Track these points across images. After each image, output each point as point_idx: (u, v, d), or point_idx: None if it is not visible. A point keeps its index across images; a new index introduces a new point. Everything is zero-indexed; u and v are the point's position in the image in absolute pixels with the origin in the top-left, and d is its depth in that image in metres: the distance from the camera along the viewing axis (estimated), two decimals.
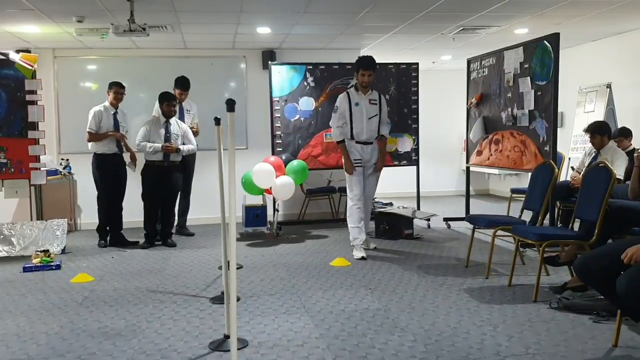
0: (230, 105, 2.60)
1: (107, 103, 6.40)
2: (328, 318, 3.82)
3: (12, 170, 6.23)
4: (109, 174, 6.37)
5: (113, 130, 6.33)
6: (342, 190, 8.04)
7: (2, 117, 6.18)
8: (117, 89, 6.39)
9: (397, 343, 3.35)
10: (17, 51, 6.43)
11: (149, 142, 6.27)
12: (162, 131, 6.33)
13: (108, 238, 6.57)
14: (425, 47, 8.26)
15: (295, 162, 6.81)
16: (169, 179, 6.40)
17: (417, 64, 7.67)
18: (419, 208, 7.72)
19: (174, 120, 6.43)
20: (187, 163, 6.91)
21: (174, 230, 6.77)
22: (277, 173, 6.55)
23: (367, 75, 5.72)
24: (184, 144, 6.43)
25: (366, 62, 5.75)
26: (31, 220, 6.60)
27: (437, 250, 5.99)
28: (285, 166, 6.77)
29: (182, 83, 6.86)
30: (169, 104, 6.33)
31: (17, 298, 4.50)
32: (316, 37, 7.44)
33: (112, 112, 6.38)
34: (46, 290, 4.71)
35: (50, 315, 4.03)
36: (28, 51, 7.21)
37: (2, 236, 6.11)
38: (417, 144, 7.70)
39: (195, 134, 6.92)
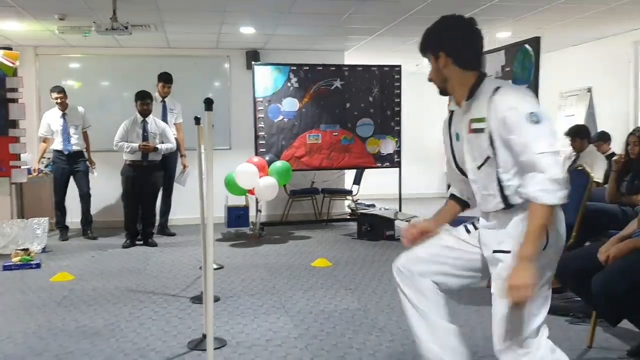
0: (209, 104, 2.61)
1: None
2: (307, 318, 3.84)
3: None
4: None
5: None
6: (325, 191, 8.10)
7: None
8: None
9: (375, 343, 3.37)
10: (2, 48, 6.37)
11: (127, 141, 6.26)
12: (140, 130, 6.33)
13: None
14: (409, 49, 8.29)
15: (279, 163, 6.82)
16: (148, 178, 6.38)
17: (399, 66, 7.72)
18: (400, 210, 7.76)
19: (151, 119, 6.42)
20: (169, 162, 6.88)
21: (155, 230, 6.75)
22: (261, 174, 6.55)
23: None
24: (162, 142, 6.41)
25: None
26: (11, 218, 6.54)
27: None
28: (268, 167, 6.78)
29: (165, 76, 6.88)
30: (143, 102, 6.32)
31: None
32: (300, 38, 7.46)
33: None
34: (25, 289, 4.68)
35: (28, 314, 4.00)
36: (10, 48, 7.12)
37: None
38: (400, 146, 7.75)
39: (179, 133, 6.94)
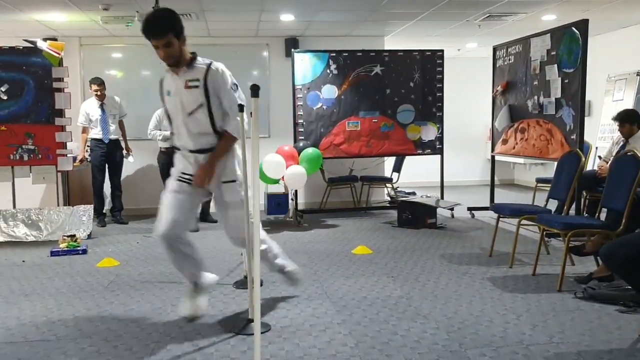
0: (255, 91, 2.60)
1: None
2: (350, 305, 3.83)
3: (40, 156, 6.34)
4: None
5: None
6: (364, 179, 8.06)
7: (30, 104, 6.29)
8: None
9: (420, 330, 3.34)
10: (45, 39, 6.51)
11: (160, 130, 6.45)
12: None
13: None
14: (450, 34, 8.17)
15: (309, 150, 6.80)
16: None
17: (442, 51, 7.59)
18: (442, 197, 7.67)
19: None
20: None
21: (197, 216, 6.86)
22: (290, 162, 6.55)
23: (160, 45, 3.26)
24: None
25: (150, 27, 3.25)
26: (58, 205, 6.72)
27: (460, 240, 5.96)
28: (299, 154, 6.77)
29: None
30: None
31: (45, 281, 4.59)
32: (340, 24, 7.40)
33: None
34: (73, 274, 4.80)
35: (77, 298, 4.10)
36: (55, 39, 7.28)
37: (30, 221, 6.23)
38: (442, 133, 7.64)
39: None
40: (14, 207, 6.42)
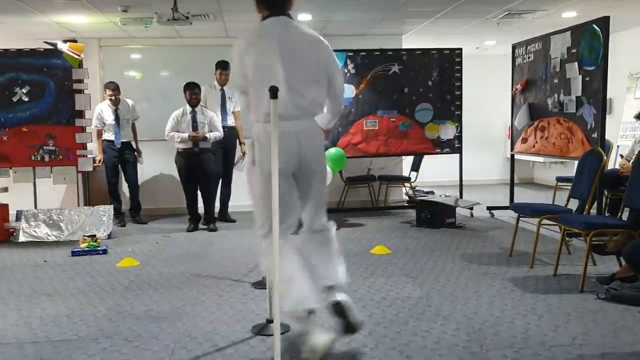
0: (274, 92, 2.60)
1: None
2: (369, 305, 3.82)
3: (61, 157, 6.42)
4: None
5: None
6: (382, 178, 8.03)
7: (50, 106, 6.37)
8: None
9: (440, 331, 3.32)
10: (65, 41, 6.59)
11: (177, 131, 6.50)
12: (189, 120, 6.52)
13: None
14: (469, 32, 8.10)
15: (333, 150, 6.79)
16: (200, 165, 6.59)
17: (460, 49, 7.53)
18: (461, 196, 7.61)
19: (200, 109, 6.61)
20: (228, 150, 7.01)
21: (216, 215, 6.91)
22: None
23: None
24: (211, 131, 6.57)
25: None
26: (78, 206, 6.80)
27: (480, 239, 5.91)
28: None
29: (222, 63, 6.97)
30: (192, 92, 6.53)
31: (66, 281, 4.64)
32: (357, 23, 7.38)
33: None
34: (93, 274, 4.84)
35: (97, 298, 4.14)
36: (75, 41, 7.36)
37: (51, 221, 6.30)
38: (460, 132, 7.58)
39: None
40: (35, 207, 6.51)
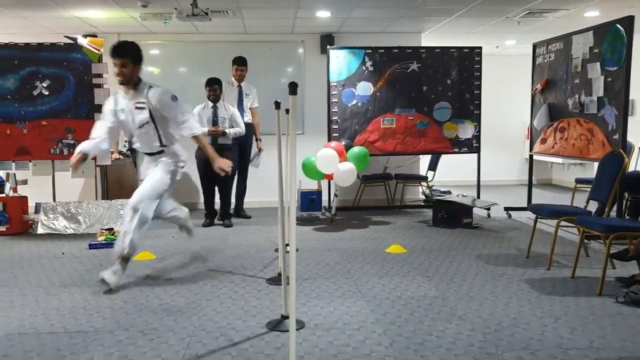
0: (293, 88, 2.60)
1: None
2: (384, 304, 3.80)
3: None
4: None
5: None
6: (399, 177, 8.00)
7: (70, 100, 6.43)
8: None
9: (455, 331, 3.29)
10: (85, 36, 6.64)
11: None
12: (210, 115, 6.55)
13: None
14: (488, 31, 8.04)
15: (356, 149, 6.76)
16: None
17: (480, 48, 7.47)
18: (478, 197, 7.56)
19: (221, 104, 6.62)
20: (244, 146, 7.02)
21: (231, 211, 6.93)
22: (340, 159, 6.53)
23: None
24: (232, 127, 6.56)
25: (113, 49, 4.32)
26: (96, 199, 6.85)
27: (497, 240, 5.86)
28: (347, 151, 6.74)
29: (238, 59, 7.00)
30: (212, 88, 6.57)
31: (83, 273, 4.68)
32: (376, 20, 7.35)
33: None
34: (110, 266, 4.87)
35: (113, 291, 4.16)
36: (95, 36, 7.43)
37: (69, 214, 6.37)
38: (479, 131, 7.52)
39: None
40: (54, 200, 6.57)
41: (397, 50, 7.34)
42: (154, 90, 4.30)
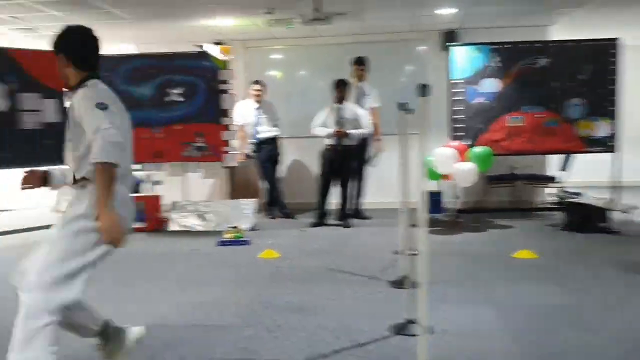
0: (423, 89, 2.55)
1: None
2: (514, 312, 3.62)
3: (210, 153, 6.83)
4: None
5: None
6: (526, 178, 7.60)
7: (200, 105, 6.79)
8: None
9: (591, 343, 3.06)
10: (216, 43, 6.98)
11: (325, 127, 6.60)
12: (336, 116, 6.58)
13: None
14: (628, 20, 7.40)
15: (479, 148, 6.51)
16: (343, 161, 6.64)
17: (616, 39, 6.87)
18: (615, 199, 6.98)
19: (347, 106, 6.62)
20: (362, 146, 7.01)
21: (350, 212, 6.95)
22: (460, 158, 6.33)
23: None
24: (356, 128, 6.58)
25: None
26: (223, 199, 7.17)
27: (638, 247, 5.39)
28: (467, 151, 6.51)
29: (357, 59, 7.05)
30: (337, 89, 6.61)
31: (211, 269, 4.92)
32: (500, 15, 7.05)
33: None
34: (237, 264, 5.08)
35: (240, 288, 4.32)
36: (221, 43, 7.77)
37: (198, 213, 6.72)
38: (616, 129, 6.95)
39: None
40: (185, 199, 6.97)
41: (524, 45, 6.97)
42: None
